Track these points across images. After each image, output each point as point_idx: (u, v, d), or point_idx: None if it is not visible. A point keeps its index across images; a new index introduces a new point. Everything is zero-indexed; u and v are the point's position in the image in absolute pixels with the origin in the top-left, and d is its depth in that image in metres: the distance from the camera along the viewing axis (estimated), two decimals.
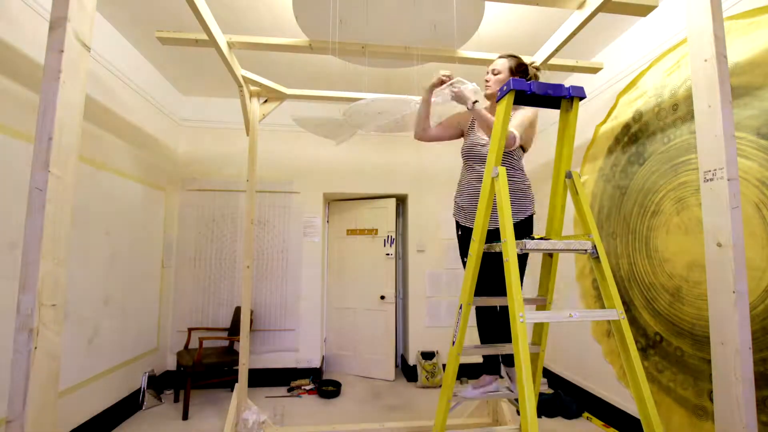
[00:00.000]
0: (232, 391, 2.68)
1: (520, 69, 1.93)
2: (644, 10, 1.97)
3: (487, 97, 2.00)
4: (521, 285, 2.03)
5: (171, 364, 3.55)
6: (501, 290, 1.95)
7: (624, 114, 2.71)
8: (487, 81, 1.98)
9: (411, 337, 3.96)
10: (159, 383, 3.28)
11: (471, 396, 1.97)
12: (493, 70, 1.95)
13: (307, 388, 3.53)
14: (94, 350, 2.56)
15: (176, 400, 3.20)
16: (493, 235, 1.91)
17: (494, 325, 2.20)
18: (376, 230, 4.12)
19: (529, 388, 1.17)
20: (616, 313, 1.35)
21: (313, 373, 3.72)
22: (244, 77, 2.60)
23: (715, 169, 1.29)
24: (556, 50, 2.22)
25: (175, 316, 3.65)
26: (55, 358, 1.03)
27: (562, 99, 1.51)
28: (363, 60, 2.60)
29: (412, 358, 3.88)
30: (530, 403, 1.15)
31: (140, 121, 3.09)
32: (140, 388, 3.07)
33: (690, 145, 2.16)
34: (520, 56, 2.01)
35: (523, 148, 2.00)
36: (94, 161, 2.54)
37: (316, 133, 2.78)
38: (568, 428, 2.79)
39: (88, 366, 2.50)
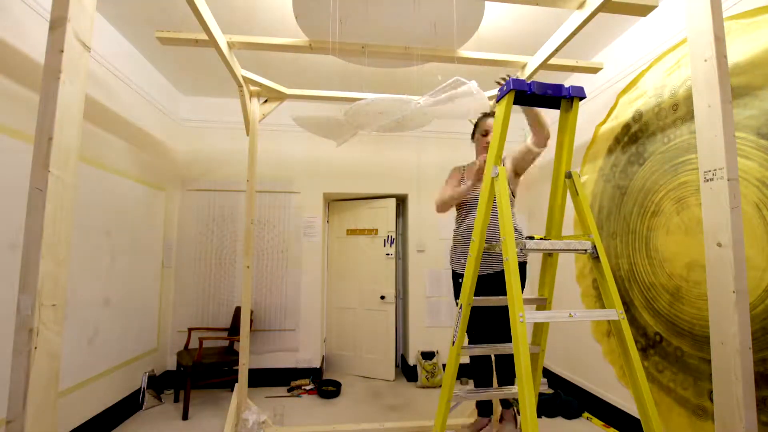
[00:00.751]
0: (232, 391, 2.68)
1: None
2: (644, 10, 1.97)
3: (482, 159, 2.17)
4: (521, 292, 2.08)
5: (171, 364, 3.55)
6: (498, 336, 2.07)
7: (624, 114, 2.71)
8: (485, 145, 2.20)
9: (411, 337, 3.96)
10: (159, 383, 3.28)
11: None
12: (487, 131, 2.22)
13: (307, 388, 3.53)
14: (94, 350, 2.56)
15: (176, 400, 3.21)
16: (484, 281, 2.02)
17: (487, 371, 2.29)
18: (376, 230, 4.12)
19: (528, 388, 1.17)
20: (616, 313, 1.35)
21: (313, 373, 3.72)
22: (244, 77, 2.60)
23: (715, 169, 1.29)
24: (556, 50, 2.22)
25: (175, 316, 3.65)
26: (55, 358, 1.03)
27: (561, 99, 1.51)
28: (363, 60, 2.60)
29: (412, 358, 3.88)
30: (530, 403, 1.15)
31: (140, 121, 3.09)
32: (140, 388, 3.07)
33: (690, 145, 2.16)
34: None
35: (513, 194, 2.11)
36: (94, 161, 2.54)
37: (316, 133, 2.78)
38: (568, 428, 2.79)
39: (88, 366, 2.50)
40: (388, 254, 4.02)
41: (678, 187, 2.23)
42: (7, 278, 1.83)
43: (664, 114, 2.35)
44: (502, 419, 2.31)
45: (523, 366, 1.20)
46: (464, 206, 2.33)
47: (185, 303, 3.67)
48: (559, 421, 2.90)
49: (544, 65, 2.39)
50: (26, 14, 1.97)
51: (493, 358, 2.32)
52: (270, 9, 2.46)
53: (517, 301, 1.26)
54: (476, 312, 2.12)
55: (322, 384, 3.52)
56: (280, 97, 2.85)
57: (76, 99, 1.10)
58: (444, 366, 3.78)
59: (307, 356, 3.78)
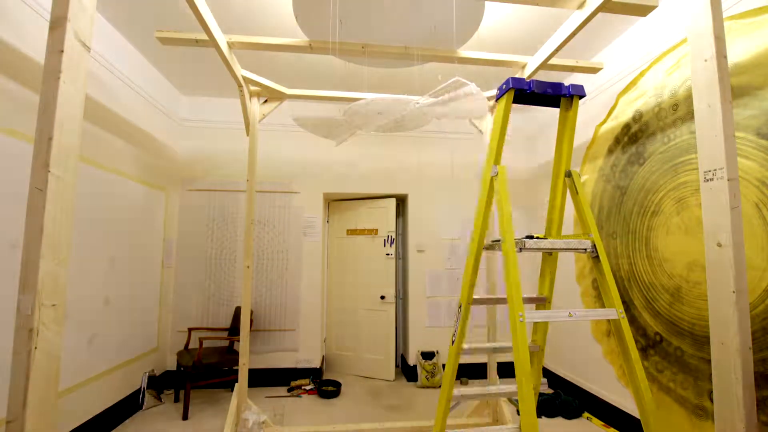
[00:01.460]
0: (232, 391, 2.68)
1: None
2: (644, 10, 1.97)
3: None
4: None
5: (171, 364, 3.55)
6: None
7: (624, 114, 2.71)
8: None
9: (411, 337, 3.96)
10: (159, 383, 3.28)
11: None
12: None
13: (307, 388, 3.53)
14: (94, 350, 2.56)
15: (176, 400, 3.20)
16: None
17: None
18: (376, 230, 4.12)
19: (528, 388, 1.17)
20: (616, 312, 1.36)
21: (313, 373, 3.72)
22: (244, 77, 2.60)
23: (715, 169, 1.29)
24: (557, 50, 2.22)
25: (175, 316, 3.64)
26: (55, 358, 1.02)
27: (561, 97, 1.51)
28: (363, 60, 2.61)
29: (412, 358, 3.88)
30: (530, 403, 1.15)
31: (140, 121, 3.09)
32: (140, 388, 3.07)
33: (690, 145, 2.16)
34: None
35: None
36: (94, 161, 2.54)
37: (316, 133, 2.78)
38: (568, 428, 2.79)
39: (88, 366, 2.50)
40: (388, 254, 4.02)
41: (678, 187, 2.23)
42: (7, 278, 1.83)
43: (664, 114, 2.35)
44: None
45: (522, 365, 1.20)
46: None
47: (185, 303, 3.67)
48: (559, 421, 2.90)
49: (544, 65, 2.39)
50: (26, 14, 1.97)
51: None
52: (270, 9, 2.46)
53: (516, 301, 1.26)
54: None
55: (322, 384, 3.52)
56: (280, 97, 2.85)
57: (76, 99, 1.10)
58: (444, 366, 3.78)
59: (307, 356, 3.77)
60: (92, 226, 2.53)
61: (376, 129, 2.53)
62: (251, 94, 2.79)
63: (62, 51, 1.05)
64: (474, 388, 2.05)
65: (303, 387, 3.54)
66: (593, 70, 2.71)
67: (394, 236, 4.04)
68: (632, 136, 2.61)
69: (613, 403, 2.73)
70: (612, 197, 2.79)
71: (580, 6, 1.96)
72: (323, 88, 3.02)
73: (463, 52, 2.47)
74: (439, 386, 3.66)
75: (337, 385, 3.52)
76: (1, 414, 1.72)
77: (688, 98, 2.17)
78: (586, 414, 2.96)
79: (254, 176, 2.70)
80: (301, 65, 3.18)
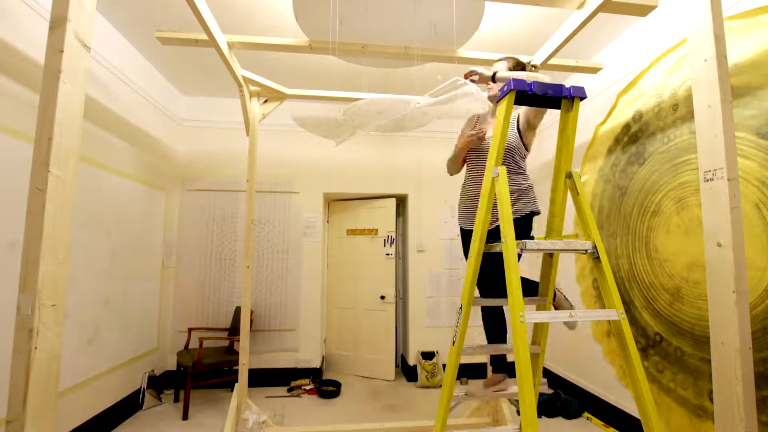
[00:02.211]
0: (232, 391, 2.68)
1: (518, 69, 1.99)
2: (644, 10, 1.97)
3: (490, 99, 2.00)
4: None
5: (171, 364, 3.55)
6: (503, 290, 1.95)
7: (624, 114, 2.71)
8: (488, 85, 1.98)
9: (411, 337, 3.96)
10: (159, 383, 3.28)
11: (481, 394, 1.98)
12: (494, 73, 1.97)
13: (307, 388, 3.53)
14: (94, 350, 2.56)
15: (176, 400, 3.20)
16: (494, 234, 1.92)
17: (499, 322, 2.18)
18: (376, 230, 4.12)
19: (528, 388, 1.17)
20: (616, 313, 1.35)
21: (313, 373, 3.72)
22: (244, 77, 2.60)
23: (715, 169, 1.29)
24: (556, 50, 2.22)
25: (175, 316, 3.64)
26: (55, 358, 1.02)
27: (562, 99, 1.51)
28: (363, 60, 2.61)
29: (412, 358, 3.88)
30: (530, 403, 1.15)
31: (140, 121, 3.09)
32: (140, 388, 3.07)
33: (690, 145, 2.16)
34: (518, 57, 2.06)
35: (527, 148, 2.02)
36: (94, 161, 2.54)
37: (316, 133, 2.78)
38: (568, 428, 2.79)
39: (88, 366, 2.50)
40: (388, 254, 4.02)
41: (678, 187, 2.23)
42: (7, 278, 1.83)
43: (664, 114, 2.35)
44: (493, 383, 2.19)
45: (522, 366, 1.19)
46: (469, 159, 2.17)
47: (185, 303, 3.67)
48: (559, 421, 2.90)
49: (544, 65, 2.39)
50: (26, 14, 1.97)
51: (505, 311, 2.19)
52: (270, 9, 2.46)
53: (516, 301, 1.26)
54: (486, 262, 1.90)
55: (322, 384, 3.52)
56: (280, 97, 2.85)
57: (76, 99, 1.10)
58: (444, 366, 3.78)
59: (307, 356, 3.78)
60: (92, 226, 2.53)
61: (376, 129, 2.53)
62: (251, 94, 2.78)
63: (62, 51, 1.05)
64: (475, 388, 2.04)
65: (303, 387, 3.54)
66: (593, 70, 2.71)
67: (394, 236, 4.04)
68: (632, 136, 2.61)
69: (613, 403, 2.73)
70: (612, 197, 2.79)
71: (580, 6, 1.96)
72: (323, 88, 3.02)
73: (463, 52, 2.47)
74: (439, 386, 3.66)
75: (337, 385, 3.52)
76: (1, 414, 1.72)
77: (688, 98, 2.17)
78: (586, 414, 2.96)
79: (254, 176, 2.70)
80: (301, 65, 3.18)
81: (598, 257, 1.44)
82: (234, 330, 3.40)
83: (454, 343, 1.63)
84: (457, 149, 2.18)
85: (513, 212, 1.87)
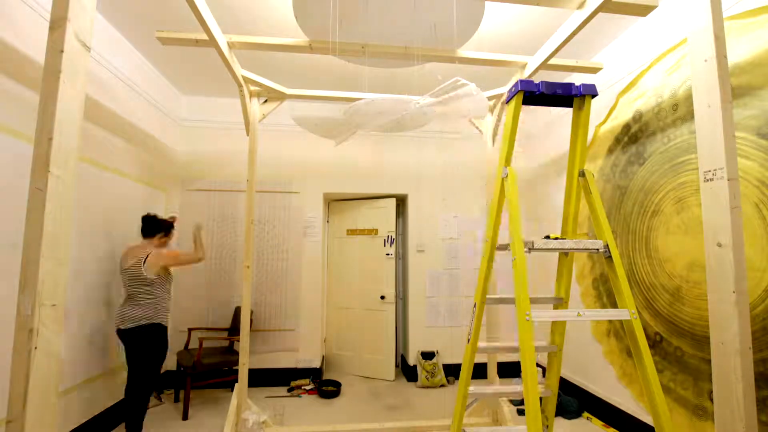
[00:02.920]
0: (232, 391, 2.68)
1: None
2: (644, 10, 1.97)
3: None
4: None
5: (171, 364, 3.54)
6: None
7: (624, 114, 2.71)
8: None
9: (411, 337, 3.96)
10: (159, 383, 3.28)
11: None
12: None
13: (307, 388, 3.53)
14: (94, 350, 2.55)
15: (176, 400, 3.21)
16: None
17: None
18: (376, 230, 4.12)
19: (533, 388, 1.17)
20: (628, 313, 1.34)
21: (313, 373, 3.72)
22: (244, 77, 2.60)
23: (715, 169, 1.29)
24: (556, 50, 2.22)
25: (175, 316, 3.64)
26: (55, 358, 1.02)
27: (573, 98, 1.50)
28: (363, 60, 2.60)
29: (412, 358, 3.88)
30: (534, 403, 1.15)
31: (140, 121, 3.08)
32: None
33: (690, 145, 2.16)
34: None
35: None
36: (94, 161, 2.54)
37: (316, 133, 2.78)
38: (568, 428, 2.79)
39: (88, 366, 2.50)
40: (388, 254, 4.02)
41: (678, 187, 2.23)
42: (7, 278, 1.83)
43: (664, 114, 2.35)
44: None
45: (528, 365, 1.20)
46: None
47: (185, 303, 3.67)
48: (559, 421, 2.90)
49: (544, 65, 2.39)
50: (26, 14, 1.97)
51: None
52: (270, 9, 2.46)
53: (523, 300, 1.26)
54: None
55: (322, 384, 3.52)
56: (280, 97, 2.85)
57: (76, 99, 1.10)
58: (444, 366, 3.79)
59: (307, 356, 3.77)
60: (92, 226, 2.53)
61: (376, 129, 2.53)
62: (251, 94, 2.79)
63: (62, 51, 1.05)
64: (493, 386, 2.05)
65: (303, 387, 3.54)
66: (593, 70, 2.71)
67: (394, 236, 4.04)
68: (632, 136, 2.61)
69: (613, 403, 2.73)
70: (612, 197, 2.79)
71: (580, 6, 1.96)
72: (323, 88, 3.02)
73: (463, 52, 2.47)
74: (440, 386, 3.66)
75: (337, 385, 3.52)
76: (1, 414, 1.72)
77: (688, 98, 2.17)
78: (586, 414, 2.96)
79: (254, 176, 2.70)
80: (301, 65, 3.18)
81: (610, 256, 1.43)
82: (234, 330, 3.40)
83: (469, 341, 1.63)
84: None
85: None
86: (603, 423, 2.80)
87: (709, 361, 2.00)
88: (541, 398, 1.77)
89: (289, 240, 3.85)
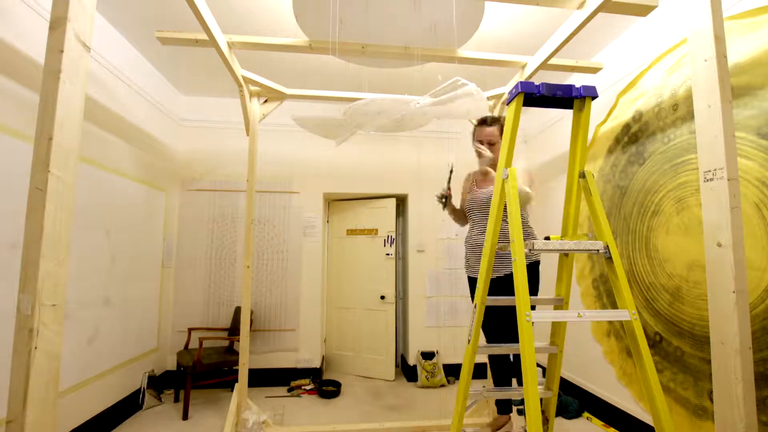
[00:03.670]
0: (232, 391, 2.68)
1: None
2: (644, 10, 1.97)
3: (483, 162, 2.21)
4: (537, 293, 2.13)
5: (171, 364, 3.55)
6: (514, 336, 2.11)
7: (624, 114, 2.71)
8: (479, 150, 2.23)
9: (411, 337, 3.96)
10: (159, 383, 3.28)
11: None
12: (488, 140, 2.23)
13: (307, 388, 3.53)
14: (94, 350, 2.56)
15: (176, 400, 3.21)
16: (498, 284, 2.07)
17: (505, 367, 2.32)
18: (376, 230, 4.12)
19: (533, 388, 1.17)
20: (629, 313, 1.34)
21: (313, 373, 3.72)
22: (244, 77, 2.60)
23: (715, 169, 1.29)
24: (556, 50, 2.22)
25: (175, 316, 3.64)
26: (55, 358, 1.03)
27: (574, 99, 1.51)
28: (363, 60, 2.60)
29: (412, 358, 3.88)
30: (534, 403, 1.15)
31: (140, 121, 3.09)
32: (140, 388, 3.07)
33: (690, 145, 2.16)
34: (501, 116, 2.35)
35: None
36: (94, 161, 2.54)
37: (316, 133, 2.78)
38: (568, 428, 2.79)
39: (88, 366, 2.50)
40: (388, 254, 4.02)
41: (678, 187, 2.23)
42: (7, 278, 1.83)
43: (664, 114, 2.35)
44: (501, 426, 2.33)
45: (528, 365, 1.20)
46: (471, 212, 2.40)
47: (185, 303, 3.67)
48: (559, 422, 2.90)
49: (544, 65, 2.39)
50: (26, 14, 1.97)
51: (511, 357, 2.33)
52: (270, 9, 2.46)
53: (523, 301, 1.26)
54: (490, 312, 2.15)
55: (322, 384, 3.52)
56: (280, 97, 2.85)
57: (76, 99, 1.10)
58: (444, 366, 3.79)
59: (307, 356, 3.78)
60: (92, 226, 2.53)
61: (376, 129, 2.53)
62: (251, 94, 2.79)
63: (62, 51, 1.05)
64: (494, 388, 2.07)
65: (303, 387, 3.54)
66: (593, 70, 2.71)
67: (394, 236, 4.04)
68: (632, 136, 2.61)
69: (613, 403, 2.73)
70: (612, 197, 2.79)
71: (580, 6, 1.96)
72: (323, 88, 3.02)
73: (463, 52, 2.47)
74: (440, 386, 3.66)
75: (337, 385, 3.52)
76: (1, 414, 1.72)
77: (688, 98, 2.17)
78: (586, 414, 2.96)
79: (254, 176, 2.70)
80: (301, 65, 3.18)
81: (610, 257, 1.43)
82: (234, 330, 3.40)
83: (469, 341, 1.64)
84: (451, 215, 2.48)
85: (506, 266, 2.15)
86: (603, 423, 2.80)
87: (709, 361, 2.00)
88: (541, 398, 1.77)
89: (289, 240, 3.85)
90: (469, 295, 2.41)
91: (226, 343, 3.47)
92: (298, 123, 2.64)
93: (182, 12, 2.38)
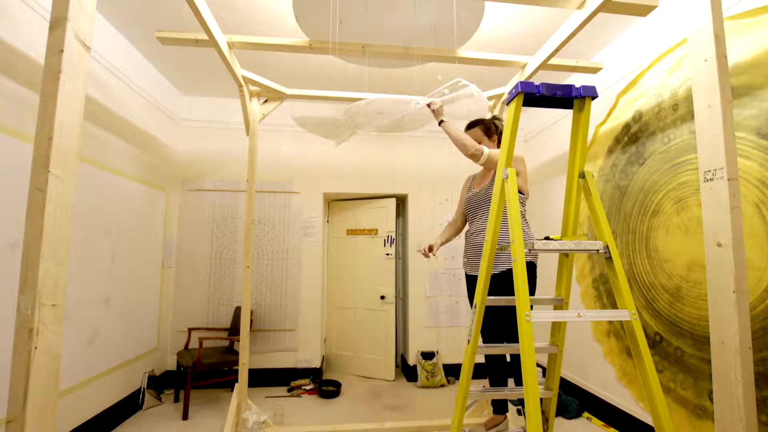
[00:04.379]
0: (232, 391, 2.68)
1: (488, 126, 2.28)
2: (644, 10, 1.97)
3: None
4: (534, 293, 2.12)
5: (171, 364, 3.55)
6: (511, 336, 2.10)
7: (624, 114, 2.71)
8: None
9: (411, 337, 3.96)
10: (159, 383, 3.28)
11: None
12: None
13: (307, 388, 3.53)
14: (94, 350, 2.56)
15: (176, 400, 3.20)
16: (497, 279, 2.06)
17: (501, 367, 2.31)
18: (376, 230, 4.12)
19: (533, 388, 1.17)
20: (628, 313, 1.34)
21: (313, 373, 3.72)
22: (244, 77, 2.60)
23: (715, 169, 1.29)
24: (556, 50, 2.22)
25: (175, 316, 3.64)
26: (55, 358, 1.02)
27: (574, 99, 1.51)
28: (363, 60, 2.61)
29: (412, 358, 3.88)
30: (534, 403, 1.15)
31: (140, 121, 3.09)
32: (140, 388, 3.07)
33: (690, 145, 2.16)
34: (482, 118, 2.37)
35: (522, 192, 2.11)
36: (94, 161, 2.54)
37: (316, 133, 2.78)
38: (568, 428, 2.79)
39: (88, 366, 2.50)
40: (388, 254, 4.02)
41: (678, 187, 2.23)
42: (7, 278, 1.83)
43: (664, 114, 2.35)
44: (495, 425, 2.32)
45: (528, 365, 1.20)
46: (467, 211, 2.36)
47: (185, 303, 3.67)
48: (559, 421, 2.90)
49: (544, 65, 2.39)
50: (26, 14, 1.97)
51: (508, 357, 2.33)
52: (270, 9, 2.46)
53: (523, 301, 1.26)
54: (487, 312, 2.13)
55: (322, 384, 3.52)
56: (280, 97, 2.85)
57: (76, 99, 1.10)
58: (444, 366, 3.79)
59: (307, 356, 3.77)
60: (92, 226, 2.53)
61: (377, 129, 2.53)
62: (251, 94, 2.79)
63: (62, 51, 1.05)
64: (492, 388, 2.07)
65: (303, 387, 3.54)
66: (593, 70, 2.71)
67: (394, 236, 4.04)
68: (632, 136, 2.61)
69: (613, 403, 2.73)
70: (612, 197, 2.79)
71: (580, 6, 1.96)
72: (323, 88, 3.02)
73: (463, 52, 2.47)
74: (440, 386, 3.66)
75: (337, 385, 3.52)
76: (1, 414, 1.72)
77: (688, 98, 2.17)
78: (586, 414, 2.96)
79: (254, 176, 2.70)
80: (301, 65, 3.18)
81: (610, 257, 1.43)
82: (234, 330, 3.40)
83: (469, 341, 1.64)
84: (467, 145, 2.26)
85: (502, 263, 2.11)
86: (603, 423, 2.80)
87: (709, 361, 2.00)
88: (541, 398, 1.77)
89: (289, 240, 3.85)
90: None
91: (226, 343, 3.47)
92: (298, 123, 2.65)
93: (182, 12, 2.38)
